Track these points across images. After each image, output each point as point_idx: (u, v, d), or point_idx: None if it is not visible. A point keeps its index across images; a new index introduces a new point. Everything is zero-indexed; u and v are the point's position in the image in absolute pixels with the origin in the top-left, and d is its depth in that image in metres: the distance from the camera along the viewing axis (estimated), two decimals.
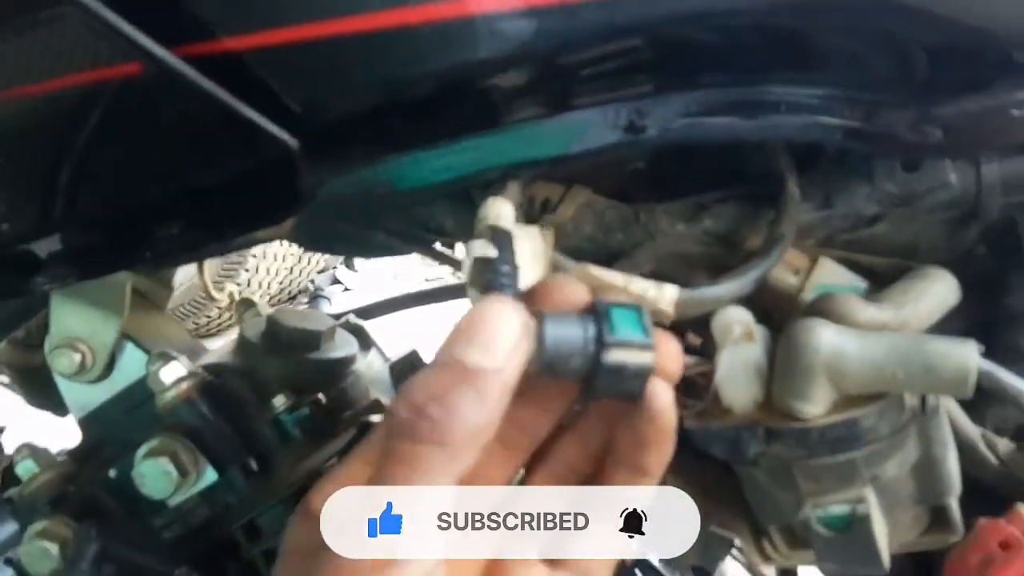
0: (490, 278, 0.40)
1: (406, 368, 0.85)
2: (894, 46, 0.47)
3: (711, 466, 0.52)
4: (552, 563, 0.39)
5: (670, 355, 0.37)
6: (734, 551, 0.56)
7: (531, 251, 0.44)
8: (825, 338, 0.45)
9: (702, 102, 0.47)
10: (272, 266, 1.50)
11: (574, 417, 0.41)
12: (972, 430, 0.50)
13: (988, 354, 0.48)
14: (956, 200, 0.53)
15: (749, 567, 0.53)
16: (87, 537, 0.66)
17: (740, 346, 0.47)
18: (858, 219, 0.54)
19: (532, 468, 0.41)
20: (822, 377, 0.45)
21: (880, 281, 0.54)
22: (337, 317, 0.87)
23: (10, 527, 0.91)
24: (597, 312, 0.36)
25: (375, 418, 0.67)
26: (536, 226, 0.46)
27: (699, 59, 0.48)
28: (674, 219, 0.56)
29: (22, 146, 0.53)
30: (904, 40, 0.46)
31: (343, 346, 0.79)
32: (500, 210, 0.44)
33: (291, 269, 1.65)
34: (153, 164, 0.50)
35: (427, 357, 0.89)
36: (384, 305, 0.96)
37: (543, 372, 0.35)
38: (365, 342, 0.85)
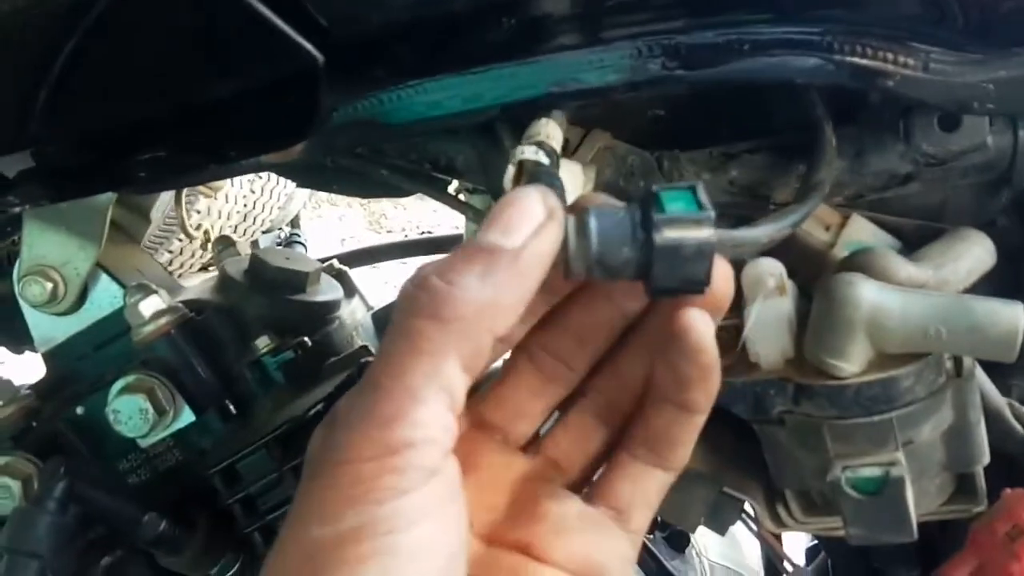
0: (529, 180, 0.38)
1: (389, 317, 0.82)
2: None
3: (727, 426, 0.50)
4: (588, 499, 0.37)
5: (718, 279, 0.33)
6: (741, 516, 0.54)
7: (571, 184, 0.42)
8: (867, 293, 0.43)
9: (745, 39, 0.45)
10: (224, 208, 1.44)
11: (611, 353, 0.38)
12: (999, 399, 0.48)
13: None
14: (991, 163, 0.51)
15: (758, 532, 0.51)
16: (55, 474, 0.62)
17: (772, 299, 0.45)
18: (890, 177, 0.52)
19: (573, 402, 0.39)
20: (861, 333, 0.43)
21: (907, 243, 0.52)
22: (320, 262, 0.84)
23: None
24: (644, 197, 0.33)
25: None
26: (578, 163, 0.44)
27: None
28: (699, 168, 0.53)
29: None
30: None
31: (328, 290, 0.76)
32: (550, 130, 0.42)
33: (244, 216, 1.58)
34: (162, 72, 0.46)
35: None
36: (366, 254, 0.93)
37: (595, 269, 0.32)
38: (348, 288, 0.82)
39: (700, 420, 0.36)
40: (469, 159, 0.56)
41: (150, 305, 0.66)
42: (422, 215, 3.96)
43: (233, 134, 0.49)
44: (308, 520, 0.29)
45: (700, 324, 0.33)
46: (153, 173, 0.52)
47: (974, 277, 0.47)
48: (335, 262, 0.83)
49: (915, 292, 0.43)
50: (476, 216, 0.62)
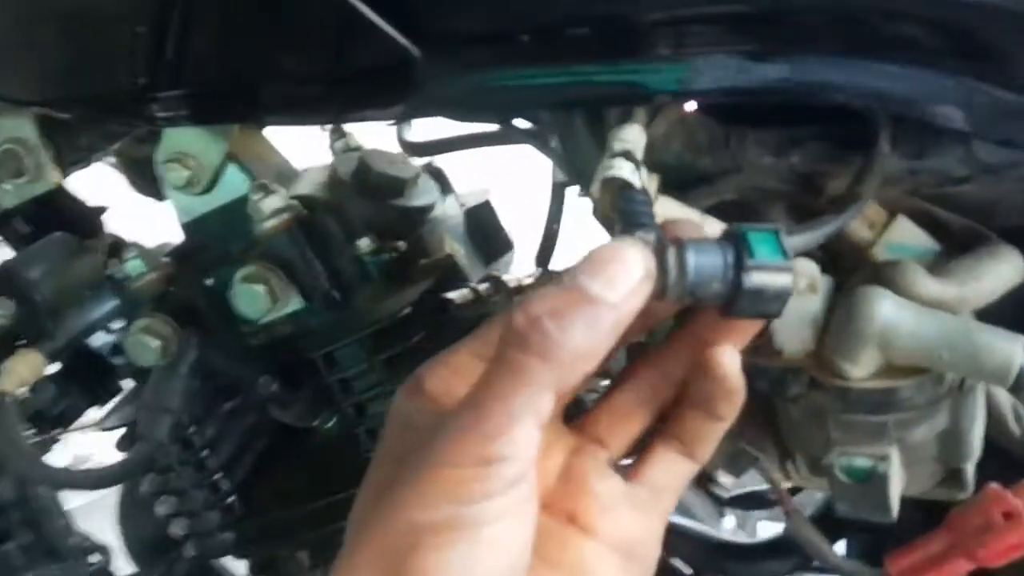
0: (626, 207, 0.41)
1: (478, 217, 0.89)
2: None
3: (750, 390, 0.57)
4: (627, 478, 0.43)
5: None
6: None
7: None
8: (883, 310, 0.47)
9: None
10: None
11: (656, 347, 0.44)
12: (1005, 400, 0.53)
13: None
14: None
15: (768, 481, 0.58)
16: (188, 343, 0.73)
17: (802, 297, 0.50)
18: (945, 178, 0.54)
19: (618, 386, 0.44)
20: (872, 345, 0.48)
21: (952, 240, 0.55)
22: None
23: (111, 302, 1.01)
24: (735, 237, 0.37)
25: (452, 295, 0.72)
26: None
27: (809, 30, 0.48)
28: (763, 150, 0.56)
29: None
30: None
31: (425, 192, 0.83)
32: (636, 137, 0.46)
33: None
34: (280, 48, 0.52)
35: (497, 204, 0.93)
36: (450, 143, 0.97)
37: (686, 297, 0.37)
38: (444, 187, 0.88)
39: (725, 425, 0.42)
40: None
41: (270, 203, 0.74)
42: None
43: (338, 96, 0.55)
44: (406, 506, 0.35)
45: (727, 359, 0.40)
46: (279, 117, 0.60)
47: (997, 294, 0.50)
48: (434, 161, 0.89)
49: (928, 313, 0.47)
50: (559, 160, 0.67)
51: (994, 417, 0.53)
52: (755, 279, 0.37)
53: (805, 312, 0.50)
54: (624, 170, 0.46)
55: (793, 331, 0.51)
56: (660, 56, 0.48)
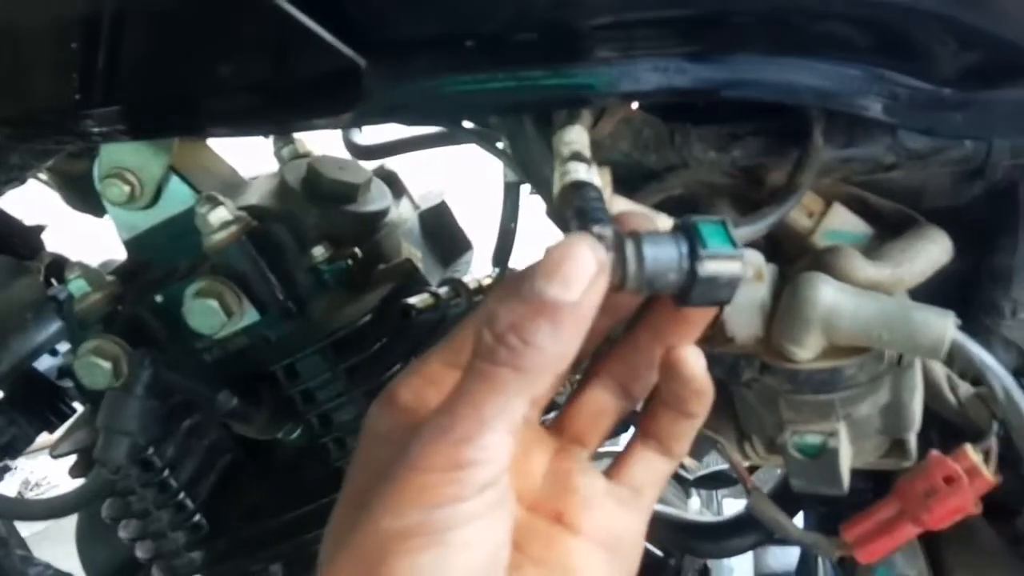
0: (581, 204, 0.42)
1: (435, 219, 0.89)
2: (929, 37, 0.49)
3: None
4: (609, 477, 0.44)
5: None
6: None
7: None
8: (825, 295, 0.50)
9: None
10: None
11: (621, 341, 0.45)
12: (940, 371, 0.56)
13: (968, 305, 0.55)
14: (968, 157, 0.56)
15: (729, 463, 0.61)
16: (141, 363, 0.73)
17: (750, 285, 0.53)
18: (875, 165, 0.57)
19: (588, 382, 0.46)
20: (816, 328, 0.50)
21: (884, 224, 0.59)
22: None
23: (56, 323, 0.99)
24: (686, 229, 0.39)
25: (413, 300, 0.73)
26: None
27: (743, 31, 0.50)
28: (707, 146, 0.59)
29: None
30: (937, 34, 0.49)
31: (378, 198, 0.84)
32: (579, 137, 0.48)
33: None
34: (219, 58, 0.52)
35: (453, 204, 0.94)
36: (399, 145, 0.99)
37: (643, 288, 0.38)
38: (397, 190, 0.89)
39: (698, 422, 0.44)
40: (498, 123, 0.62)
41: (218, 215, 0.74)
42: None
43: (286, 105, 0.56)
44: (378, 513, 0.36)
45: (692, 360, 0.42)
46: (221, 128, 0.60)
47: (928, 273, 0.54)
48: (385, 164, 0.90)
49: (867, 296, 0.50)
50: (509, 161, 0.68)
51: (931, 388, 0.56)
52: (709, 268, 0.39)
53: (753, 300, 0.53)
54: (580, 172, 0.48)
55: (743, 319, 0.53)
56: (603, 59, 0.50)
